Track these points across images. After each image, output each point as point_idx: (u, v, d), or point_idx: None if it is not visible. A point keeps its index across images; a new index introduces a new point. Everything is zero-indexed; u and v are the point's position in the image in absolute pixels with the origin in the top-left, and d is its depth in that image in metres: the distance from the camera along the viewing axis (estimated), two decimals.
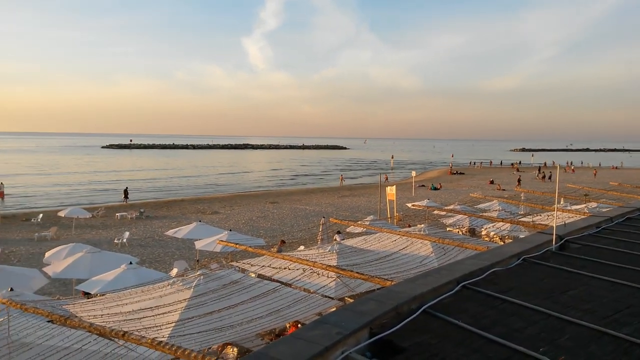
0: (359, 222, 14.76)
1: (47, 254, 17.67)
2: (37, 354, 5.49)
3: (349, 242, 13.27)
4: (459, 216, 20.70)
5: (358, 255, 10.74)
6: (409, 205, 30.41)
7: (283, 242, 20.82)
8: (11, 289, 11.14)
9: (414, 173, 55.10)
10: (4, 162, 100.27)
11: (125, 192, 45.24)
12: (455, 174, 79.42)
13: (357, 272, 6.62)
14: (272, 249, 16.14)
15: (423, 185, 57.35)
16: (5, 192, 46.79)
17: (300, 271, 8.66)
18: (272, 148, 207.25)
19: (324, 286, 9.53)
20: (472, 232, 22.10)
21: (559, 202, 12.93)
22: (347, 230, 22.39)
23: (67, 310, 6.96)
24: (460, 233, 21.05)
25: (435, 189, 54.52)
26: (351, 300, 10.97)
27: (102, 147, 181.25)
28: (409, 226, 18.69)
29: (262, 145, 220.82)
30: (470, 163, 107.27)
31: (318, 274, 8.57)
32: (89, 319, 5.58)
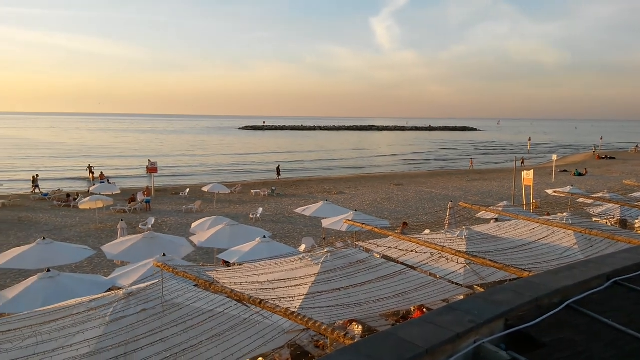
0: (491, 208, 13.98)
1: (193, 225, 19.62)
2: (186, 314, 6.13)
3: (479, 228, 12.66)
4: (609, 205, 18.59)
5: (490, 243, 10.20)
6: (549, 191, 28.12)
7: (406, 224, 20.60)
8: (164, 255, 12.59)
9: (554, 157, 50.61)
10: (159, 142, 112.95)
11: (278, 169, 48.81)
12: (603, 158, 71.34)
13: (490, 260, 6.28)
14: (397, 231, 16.06)
15: (565, 171, 52.51)
16: (158, 168, 52.64)
17: (427, 255, 8.49)
18: (398, 130, 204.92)
19: (452, 272, 9.24)
20: (624, 223, 19.73)
21: None
22: (477, 216, 21.40)
23: (211, 276, 7.65)
24: (609, 224, 18.92)
25: (580, 174, 49.56)
26: (481, 289, 10.52)
27: (239, 128, 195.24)
28: (548, 214, 17.26)
29: (387, 126, 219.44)
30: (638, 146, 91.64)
31: (446, 259, 8.32)
32: (230, 286, 6.07)
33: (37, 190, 36.74)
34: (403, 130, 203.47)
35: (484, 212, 17.03)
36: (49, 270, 10.85)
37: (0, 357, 5.11)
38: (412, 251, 9.38)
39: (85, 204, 27.82)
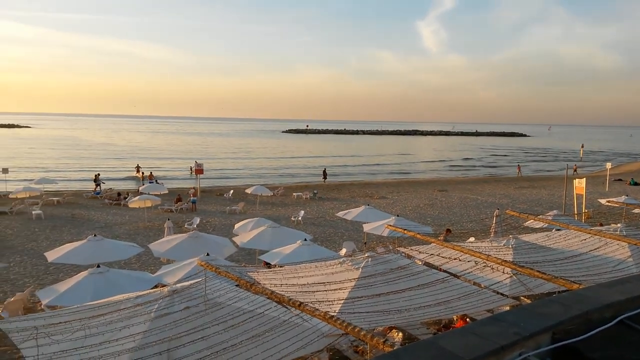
0: (540, 217, 13.49)
1: (236, 226, 19.95)
2: (227, 313, 6.22)
3: (527, 237, 12.25)
4: None
5: (538, 253, 9.84)
6: (602, 201, 26.90)
7: (449, 231, 20.21)
8: (207, 254, 12.85)
9: (608, 165, 48.40)
10: (205, 144, 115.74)
11: (324, 173, 49.05)
12: None
13: (538, 271, 6.05)
14: (439, 238, 15.76)
15: (620, 180, 50.11)
16: (204, 170, 53.94)
17: (472, 264, 8.27)
18: (443, 134, 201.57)
19: (497, 282, 8.97)
20: None
21: None
22: (525, 224, 20.71)
23: (252, 277, 7.75)
24: None
25: (636, 184, 47.19)
26: (528, 301, 10.16)
27: (282, 131, 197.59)
28: (601, 225, 16.50)
29: (432, 131, 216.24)
30: None
31: (492, 269, 8.09)
32: (270, 287, 6.12)
33: (99, 188, 38.36)
34: (448, 135, 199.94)
35: (532, 221, 16.46)
36: (98, 266, 11.29)
37: (51, 348, 5.35)
38: (455, 259, 9.17)
39: (134, 202, 28.84)
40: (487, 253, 7.46)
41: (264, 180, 50.21)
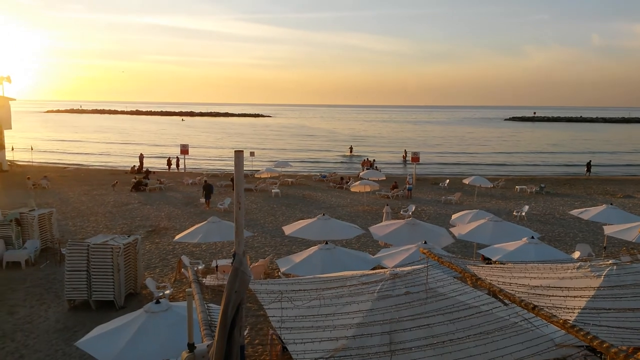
0: None
1: (453, 217, 19.51)
2: (451, 305, 6.09)
3: None
4: None
5: None
6: None
7: None
8: (425, 242, 12.86)
9: None
10: (421, 132, 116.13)
11: (588, 165, 44.77)
12: None
13: None
14: None
15: None
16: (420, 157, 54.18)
17: None
18: None
19: None
20: None
21: None
22: None
23: (472, 271, 7.42)
24: None
25: None
26: None
27: (505, 119, 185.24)
28: None
29: None
30: None
31: None
32: (497, 285, 5.76)
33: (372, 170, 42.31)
34: None
35: None
36: (327, 243, 12.34)
37: (292, 312, 6.04)
38: None
39: (355, 187, 30.72)
40: None
41: (483, 171, 47.92)
